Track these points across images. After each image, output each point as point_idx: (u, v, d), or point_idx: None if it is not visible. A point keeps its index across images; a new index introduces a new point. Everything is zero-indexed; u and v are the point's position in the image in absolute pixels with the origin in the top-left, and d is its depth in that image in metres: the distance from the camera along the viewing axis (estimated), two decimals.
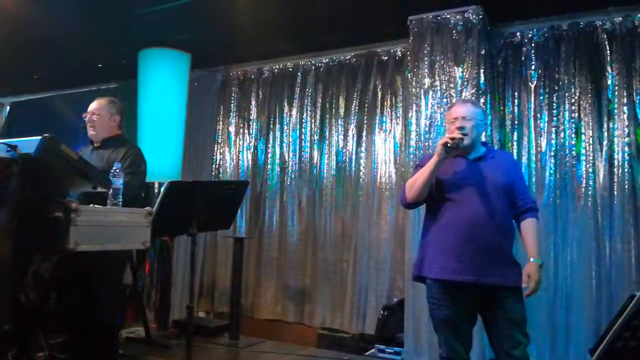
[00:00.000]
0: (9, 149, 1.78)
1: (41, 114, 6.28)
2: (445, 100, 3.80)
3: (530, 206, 2.34)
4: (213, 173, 5.35)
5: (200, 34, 4.51)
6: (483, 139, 3.75)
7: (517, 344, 2.15)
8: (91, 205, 1.96)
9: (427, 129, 3.86)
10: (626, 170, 3.59)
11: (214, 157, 5.38)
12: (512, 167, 2.40)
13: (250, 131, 5.27)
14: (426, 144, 3.84)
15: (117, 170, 2.11)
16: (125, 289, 3.92)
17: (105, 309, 2.58)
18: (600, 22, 3.77)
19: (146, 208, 2.08)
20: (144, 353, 3.87)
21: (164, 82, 4.70)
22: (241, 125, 5.33)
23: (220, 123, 5.42)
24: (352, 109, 4.71)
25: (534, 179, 3.89)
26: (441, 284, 2.21)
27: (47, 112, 6.19)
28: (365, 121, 4.65)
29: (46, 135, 1.77)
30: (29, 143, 1.79)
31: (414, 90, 3.96)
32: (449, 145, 2.19)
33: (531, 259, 2.23)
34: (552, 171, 3.83)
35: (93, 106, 2.90)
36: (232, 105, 5.37)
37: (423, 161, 2.46)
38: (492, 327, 2.21)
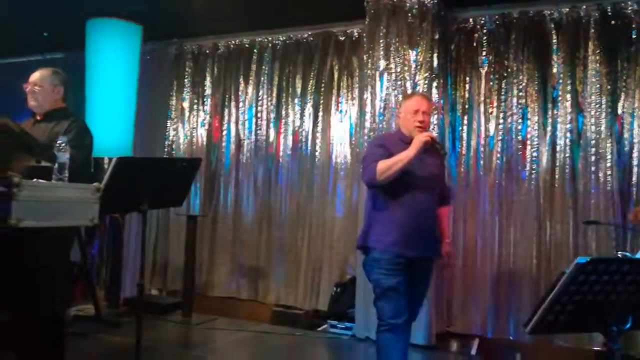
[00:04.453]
0: None
1: None
2: (399, 82, 3.85)
3: (450, 194, 2.87)
4: (166, 149, 5.24)
5: (152, 5, 4.35)
6: (435, 122, 3.88)
7: (422, 304, 2.68)
8: (35, 179, 1.88)
9: (381, 110, 3.91)
10: (567, 155, 3.80)
11: (167, 133, 5.27)
12: (442, 158, 2.74)
13: (205, 107, 5.17)
14: (381, 125, 3.90)
15: (63, 145, 2.03)
16: (73, 267, 3.82)
17: (50, 288, 2.51)
18: (549, 12, 3.92)
19: (94, 184, 2.02)
20: (93, 331, 3.80)
21: (113, 54, 4.52)
22: (195, 101, 5.22)
23: (174, 98, 5.29)
24: (309, 88, 4.70)
25: (481, 162, 4.04)
26: (392, 256, 2.45)
27: None
28: (322, 101, 4.66)
29: None
30: None
31: (369, 72, 3.99)
32: (429, 143, 2.43)
33: (447, 240, 2.75)
34: (499, 154, 3.99)
35: (35, 77, 2.75)
36: (186, 80, 5.24)
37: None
38: (414, 290, 2.55)
